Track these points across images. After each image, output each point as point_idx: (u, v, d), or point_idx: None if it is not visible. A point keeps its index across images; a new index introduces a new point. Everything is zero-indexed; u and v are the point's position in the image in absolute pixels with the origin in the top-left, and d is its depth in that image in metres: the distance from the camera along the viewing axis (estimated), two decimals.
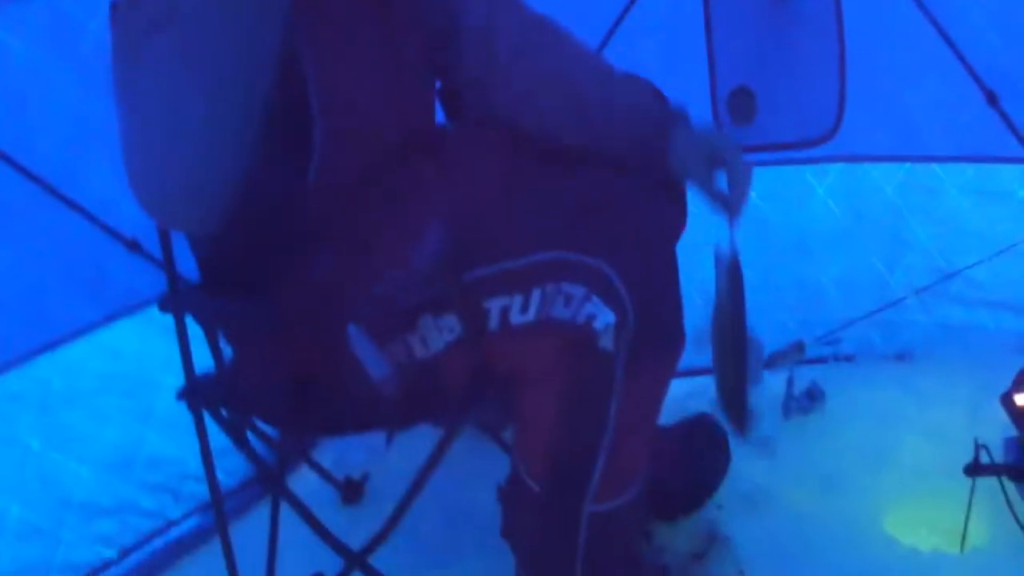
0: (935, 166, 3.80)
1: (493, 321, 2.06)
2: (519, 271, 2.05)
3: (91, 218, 3.02)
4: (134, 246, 3.08)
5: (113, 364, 3.63)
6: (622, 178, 2.21)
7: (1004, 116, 3.39)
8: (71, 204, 2.97)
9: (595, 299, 2.03)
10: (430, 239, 2.03)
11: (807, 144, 3.61)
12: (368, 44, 2.19)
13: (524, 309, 2.05)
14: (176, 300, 2.34)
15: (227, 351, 2.40)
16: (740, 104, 3.60)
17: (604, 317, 2.04)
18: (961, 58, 3.40)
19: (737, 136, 3.63)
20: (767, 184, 3.73)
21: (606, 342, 2.06)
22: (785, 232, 3.87)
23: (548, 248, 2.05)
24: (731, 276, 2.23)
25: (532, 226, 2.09)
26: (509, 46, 2.30)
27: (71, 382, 3.58)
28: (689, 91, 3.29)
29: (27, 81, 2.91)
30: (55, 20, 2.91)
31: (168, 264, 2.33)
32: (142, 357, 3.47)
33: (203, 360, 2.39)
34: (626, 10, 3.53)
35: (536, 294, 2.04)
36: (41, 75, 2.91)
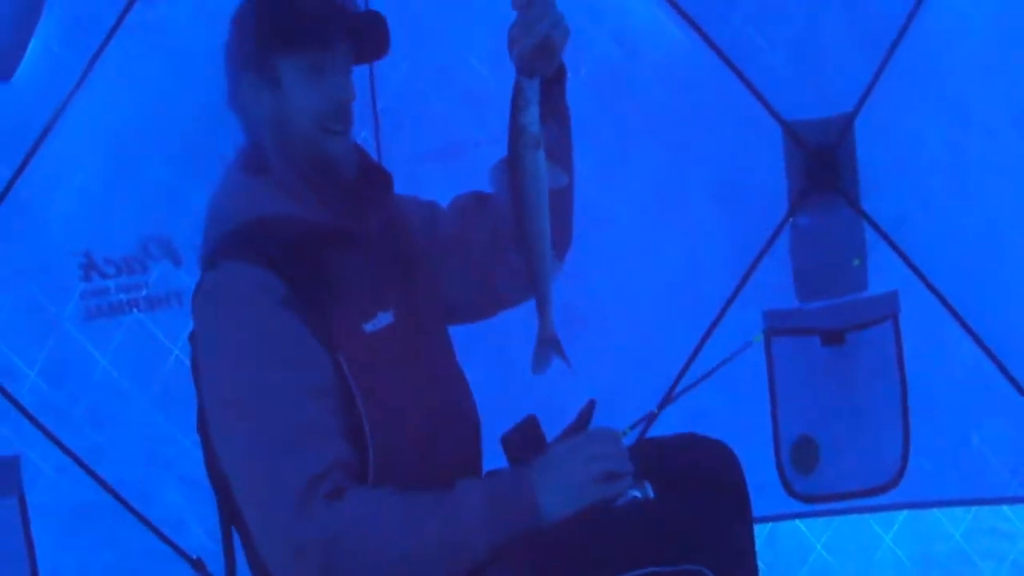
0: (1005, 507, 3.73)
1: None
2: None
3: (158, 533, 3.10)
4: (199, 565, 3.13)
5: None
6: (695, 496, 2.22)
7: None
8: (140, 517, 3.06)
9: None
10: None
11: (872, 492, 3.63)
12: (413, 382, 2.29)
13: None
14: None
15: None
16: (803, 454, 3.63)
17: None
18: None
19: (801, 486, 3.68)
20: (831, 535, 3.77)
21: None
22: None
23: (647, 563, 2.05)
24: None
25: (620, 546, 2.08)
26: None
27: None
28: (752, 441, 3.37)
29: (108, 396, 3.09)
30: (140, 340, 3.11)
31: None
32: None
33: None
34: (690, 360, 3.59)
35: None
36: (122, 392, 3.09)
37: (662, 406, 2.52)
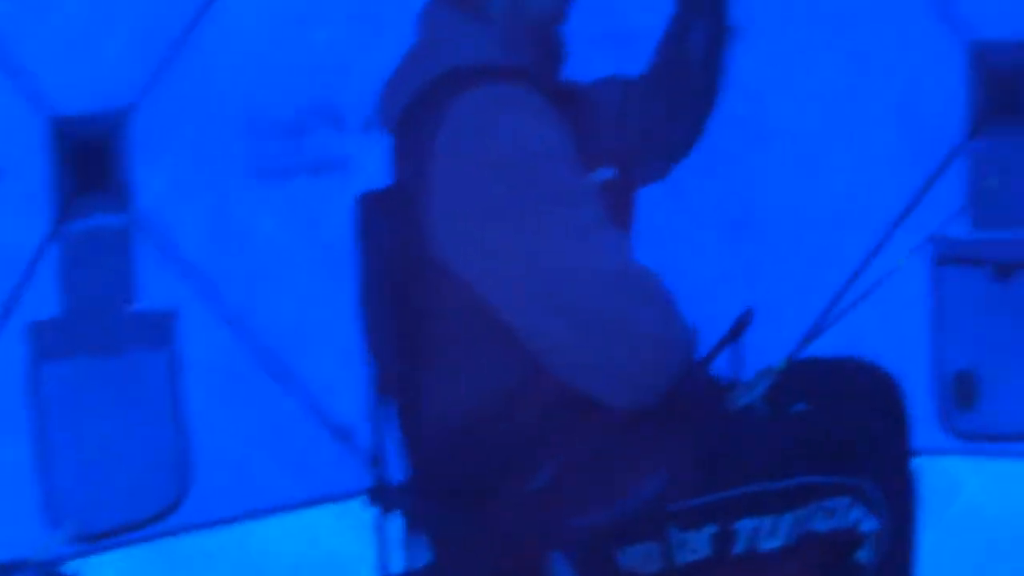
0: None
1: (739, 544, 2.04)
2: (774, 493, 2.04)
3: (308, 398, 3.12)
4: (345, 435, 3.14)
5: (307, 549, 3.46)
6: (854, 409, 2.24)
7: None
8: (290, 381, 3.10)
9: (860, 507, 2.05)
10: (655, 478, 2.03)
11: None
12: None
13: (774, 532, 2.03)
14: (387, 497, 2.31)
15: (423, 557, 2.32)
16: (964, 389, 3.53)
17: (869, 523, 2.07)
18: None
19: (959, 423, 3.58)
20: (988, 476, 3.61)
21: (866, 554, 2.07)
22: (1005, 529, 3.61)
23: (806, 473, 2.05)
24: None
25: (771, 454, 2.08)
26: None
27: (263, 559, 3.42)
28: (910, 370, 3.28)
29: (269, 256, 3.12)
30: (303, 203, 3.14)
31: (378, 459, 2.33)
32: (335, 549, 3.34)
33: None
34: (851, 279, 3.46)
35: (788, 517, 2.04)
36: (283, 254, 3.12)
37: (820, 327, 2.46)
